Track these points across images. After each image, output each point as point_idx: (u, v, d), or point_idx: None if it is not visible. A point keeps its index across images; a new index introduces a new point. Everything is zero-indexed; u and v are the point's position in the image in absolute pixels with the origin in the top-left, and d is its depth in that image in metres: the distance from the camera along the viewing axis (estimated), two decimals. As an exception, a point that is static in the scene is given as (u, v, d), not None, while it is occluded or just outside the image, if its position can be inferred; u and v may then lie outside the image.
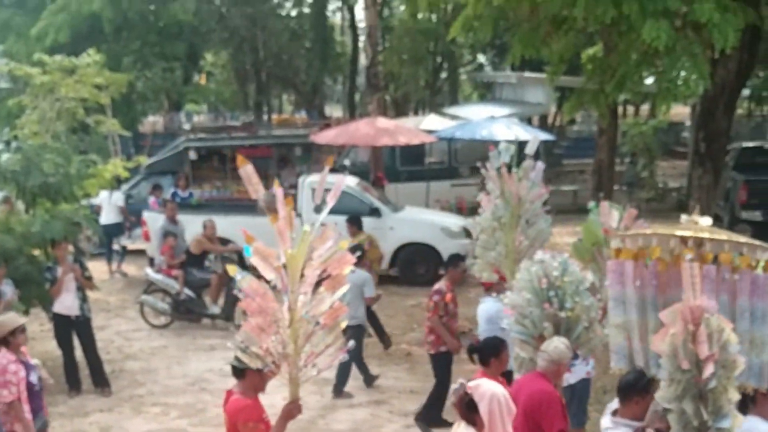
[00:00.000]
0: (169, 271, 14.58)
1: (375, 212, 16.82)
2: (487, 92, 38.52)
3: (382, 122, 19.74)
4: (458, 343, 10.15)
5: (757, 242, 5.88)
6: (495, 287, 9.56)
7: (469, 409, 5.63)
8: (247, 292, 5.64)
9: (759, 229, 18.10)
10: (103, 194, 18.12)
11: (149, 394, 11.62)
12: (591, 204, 9.35)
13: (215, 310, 14.58)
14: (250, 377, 6.03)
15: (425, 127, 22.48)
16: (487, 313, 9.42)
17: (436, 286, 10.22)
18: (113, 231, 18.41)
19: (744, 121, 34.76)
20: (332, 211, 17.70)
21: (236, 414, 6.04)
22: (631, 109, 39.14)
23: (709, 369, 4.96)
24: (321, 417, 10.70)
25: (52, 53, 22.28)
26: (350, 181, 17.68)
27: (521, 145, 17.80)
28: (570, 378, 8.25)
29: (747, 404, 5.96)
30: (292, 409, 5.93)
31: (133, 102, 29.34)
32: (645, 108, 37.54)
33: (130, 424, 10.67)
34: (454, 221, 17.46)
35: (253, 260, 5.67)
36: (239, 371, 6.05)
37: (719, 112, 14.68)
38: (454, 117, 25.13)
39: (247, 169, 5.84)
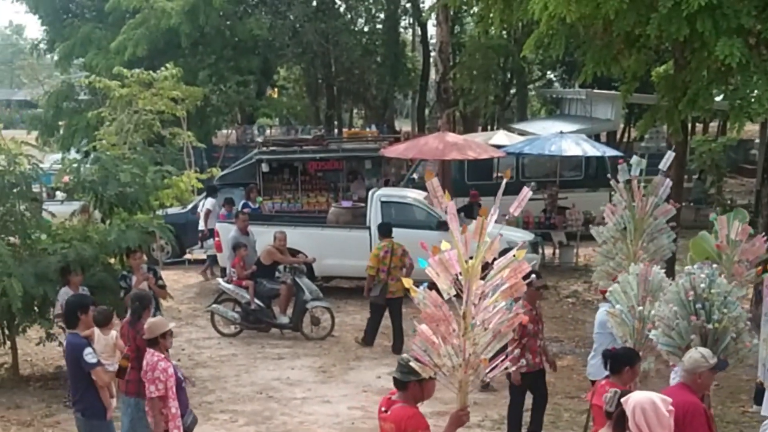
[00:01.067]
0: (240, 281, 14.68)
1: (443, 226, 16.71)
2: (555, 108, 38.24)
3: (451, 137, 19.67)
4: (519, 377, 9.89)
5: None
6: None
7: (619, 421, 5.54)
8: (428, 303, 5.79)
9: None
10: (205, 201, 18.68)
11: (218, 401, 11.69)
12: (712, 216, 9.32)
13: (284, 320, 14.64)
14: (411, 388, 6.11)
15: (494, 142, 22.37)
16: (599, 319, 9.48)
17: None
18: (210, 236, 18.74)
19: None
20: (401, 225, 17.79)
21: (406, 421, 6.05)
22: (699, 126, 38.45)
23: None
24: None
25: (130, 67, 22.73)
26: (418, 195, 17.65)
27: (588, 159, 17.65)
28: None
29: None
30: (462, 416, 5.98)
31: (207, 115, 29.77)
32: (713, 125, 36.91)
33: (199, 431, 10.72)
34: (521, 235, 17.29)
35: (429, 271, 5.80)
36: (402, 383, 6.14)
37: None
38: (522, 132, 24.97)
39: (433, 182, 5.93)
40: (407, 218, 17.12)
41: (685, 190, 21.91)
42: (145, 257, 12.21)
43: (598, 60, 14.67)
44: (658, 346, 7.46)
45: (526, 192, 6.09)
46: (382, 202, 17.01)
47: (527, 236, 17.34)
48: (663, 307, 7.38)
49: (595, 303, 16.17)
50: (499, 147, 21.11)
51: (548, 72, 43.43)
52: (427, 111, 42.05)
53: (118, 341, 8.34)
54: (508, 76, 39.25)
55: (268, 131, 36.02)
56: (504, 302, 5.85)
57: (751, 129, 35.53)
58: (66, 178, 13.39)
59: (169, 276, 16.21)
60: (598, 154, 20.53)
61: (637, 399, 5.37)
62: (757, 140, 30.89)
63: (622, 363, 7.13)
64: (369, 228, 16.48)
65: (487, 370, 5.85)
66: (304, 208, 21.49)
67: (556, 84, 43.20)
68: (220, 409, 11.38)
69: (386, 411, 6.19)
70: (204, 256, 19.27)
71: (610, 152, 21.52)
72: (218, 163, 26.86)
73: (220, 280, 15.51)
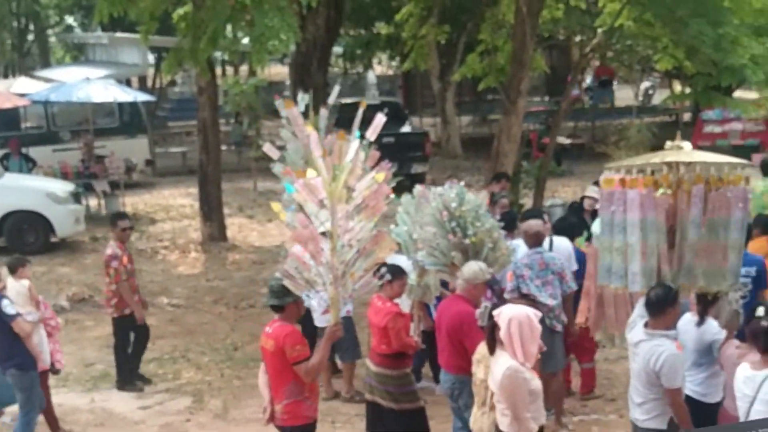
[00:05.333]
0: None
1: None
2: (79, 54, 37.97)
3: (-30, 86, 19.16)
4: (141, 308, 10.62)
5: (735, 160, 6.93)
6: None
7: (491, 334, 6.28)
8: (297, 224, 6.30)
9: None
10: None
11: None
12: None
13: None
14: (289, 309, 6.77)
15: (16, 90, 22.08)
16: None
17: (109, 251, 10.49)
18: None
19: (342, 79, 37.27)
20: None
21: (284, 338, 6.60)
22: (230, 69, 40.34)
23: None
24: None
25: None
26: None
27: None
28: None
29: (707, 306, 7.08)
30: (336, 331, 6.62)
31: None
32: (244, 68, 38.97)
33: None
34: (60, 186, 17.52)
35: (297, 196, 6.34)
36: (279, 308, 6.75)
37: (314, 68, 16.01)
38: (47, 80, 24.81)
39: (293, 112, 6.60)
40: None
41: (223, 133, 23.24)
42: None
43: (112, 1, 14.86)
44: (426, 266, 8.32)
45: (381, 118, 6.66)
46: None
47: (67, 187, 17.59)
48: (423, 229, 8.16)
49: (149, 251, 16.93)
50: (22, 95, 20.91)
51: (66, 17, 42.77)
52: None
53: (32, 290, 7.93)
54: (24, 21, 38.15)
55: None
56: (370, 222, 6.52)
57: (282, 71, 38.09)
58: None
59: None
60: (130, 99, 21.18)
61: (512, 312, 6.15)
62: (288, 81, 33.32)
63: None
64: None
65: (356, 285, 6.51)
66: None
67: (77, 29, 42.72)
68: None
69: (269, 330, 6.81)
70: None
71: (142, 97, 22.28)
72: None
73: None
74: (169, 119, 34.46)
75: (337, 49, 33.30)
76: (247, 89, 27.77)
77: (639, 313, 6.74)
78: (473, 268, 7.56)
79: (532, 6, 15.06)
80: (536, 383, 6.16)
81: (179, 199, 21.62)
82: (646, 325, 6.54)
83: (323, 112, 10.69)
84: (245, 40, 16.71)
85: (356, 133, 6.63)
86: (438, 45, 27.08)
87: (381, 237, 6.71)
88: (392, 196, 7.05)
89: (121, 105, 22.28)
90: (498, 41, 20.11)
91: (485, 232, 7.95)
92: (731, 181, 6.66)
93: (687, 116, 29.42)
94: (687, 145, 6.90)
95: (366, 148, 6.56)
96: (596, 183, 9.66)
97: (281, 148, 9.97)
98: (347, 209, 6.41)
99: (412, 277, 8.43)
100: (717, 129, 24.08)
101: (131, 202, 20.61)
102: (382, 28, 31.73)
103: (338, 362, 10.37)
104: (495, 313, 6.26)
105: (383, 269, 7.57)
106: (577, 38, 26.14)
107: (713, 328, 7.02)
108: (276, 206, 6.94)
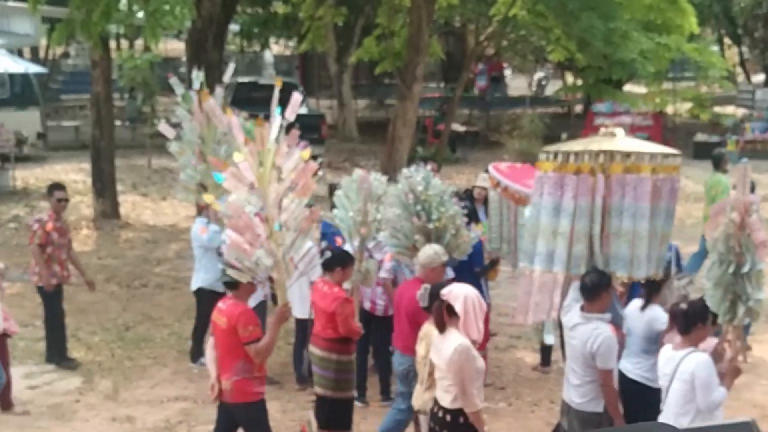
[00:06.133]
0: None
1: None
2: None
3: None
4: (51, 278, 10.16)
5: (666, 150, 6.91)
6: (205, 210, 9.74)
7: (439, 312, 6.26)
8: (230, 213, 6.25)
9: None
10: None
11: None
12: None
13: None
14: (243, 287, 6.72)
15: None
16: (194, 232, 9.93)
17: (38, 215, 10.21)
18: None
19: (239, 57, 36.80)
20: None
21: (237, 317, 6.57)
22: (125, 43, 39.51)
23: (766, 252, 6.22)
24: None
25: None
26: None
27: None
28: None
29: (651, 293, 7.17)
30: (284, 312, 6.71)
31: None
32: (139, 42, 38.21)
33: None
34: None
35: (227, 184, 6.26)
36: (233, 284, 6.62)
37: (210, 45, 15.78)
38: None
39: (210, 102, 6.83)
40: None
41: (118, 108, 22.74)
42: None
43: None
44: (386, 248, 8.28)
45: (297, 97, 6.68)
46: None
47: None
48: (387, 210, 8.06)
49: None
50: None
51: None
52: None
53: None
54: None
55: None
56: (306, 200, 6.49)
57: (179, 47, 37.43)
58: None
59: None
60: (21, 70, 20.58)
61: (465, 290, 6.27)
62: (184, 58, 32.80)
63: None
64: None
65: (298, 267, 6.56)
66: None
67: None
68: None
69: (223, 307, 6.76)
70: None
71: (34, 68, 21.68)
72: None
73: None
74: (62, 92, 33.45)
75: (234, 27, 32.91)
76: (142, 64, 27.23)
77: (574, 297, 6.86)
78: (428, 252, 7.58)
79: (428, -9, 15.13)
80: (481, 362, 6.34)
81: (71, 175, 21.06)
82: (581, 308, 6.68)
83: (218, 90, 10.54)
84: (140, 14, 16.38)
85: (277, 109, 6.62)
86: (335, 27, 27.03)
87: (316, 214, 6.83)
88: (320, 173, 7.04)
89: (12, 76, 21.68)
90: (395, 26, 20.21)
91: (449, 218, 8.02)
92: (664, 170, 6.74)
93: (579, 108, 30.01)
94: (620, 132, 6.95)
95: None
96: (486, 171, 9.76)
97: (176, 126, 9.80)
98: (279, 190, 6.42)
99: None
100: (607, 122, 24.39)
101: (22, 176, 19.96)
102: (279, 7, 31.44)
103: None
104: (444, 291, 6.33)
105: (326, 252, 7.71)
106: (473, 26, 26.33)
107: (663, 317, 7.14)
108: (209, 197, 6.96)
